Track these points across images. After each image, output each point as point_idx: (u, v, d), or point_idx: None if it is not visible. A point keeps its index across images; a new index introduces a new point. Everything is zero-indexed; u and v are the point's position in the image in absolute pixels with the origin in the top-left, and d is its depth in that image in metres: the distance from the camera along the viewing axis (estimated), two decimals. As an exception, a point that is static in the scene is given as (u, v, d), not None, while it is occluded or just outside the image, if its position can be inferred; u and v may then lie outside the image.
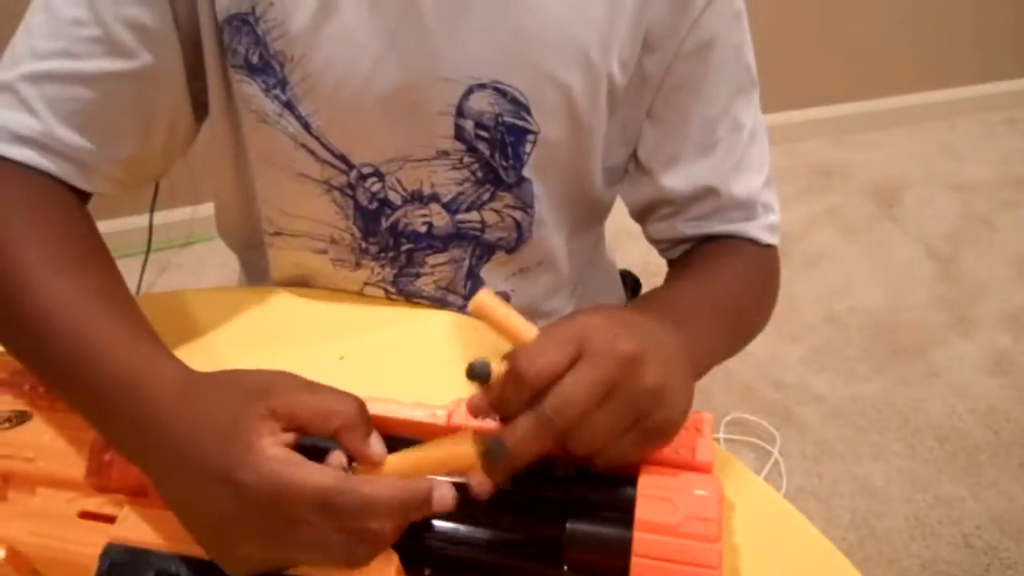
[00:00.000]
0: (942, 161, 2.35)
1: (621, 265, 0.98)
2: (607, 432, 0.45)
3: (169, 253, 1.98)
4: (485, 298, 0.47)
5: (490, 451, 0.44)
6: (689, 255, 0.76)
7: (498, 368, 0.45)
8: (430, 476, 0.45)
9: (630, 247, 0.87)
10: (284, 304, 0.76)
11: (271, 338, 0.72)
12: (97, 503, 0.49)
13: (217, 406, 0.45)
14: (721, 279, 0.71)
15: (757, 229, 0.73)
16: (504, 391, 0.45)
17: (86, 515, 0.49)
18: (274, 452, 0.43)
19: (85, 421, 0.51)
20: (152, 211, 1.83)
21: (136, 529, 0.46)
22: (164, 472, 0.46)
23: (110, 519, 0.48)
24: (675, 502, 0.44)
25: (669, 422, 0.47)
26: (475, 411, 0.48)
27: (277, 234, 0.75)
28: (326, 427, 0.45)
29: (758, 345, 1.94)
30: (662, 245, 0.78)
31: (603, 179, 0.75)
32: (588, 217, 0.80)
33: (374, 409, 0.48)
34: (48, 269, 0.55)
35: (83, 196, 0.65)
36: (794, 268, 2.00)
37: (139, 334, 0.52)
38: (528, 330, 0.47)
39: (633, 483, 0.46)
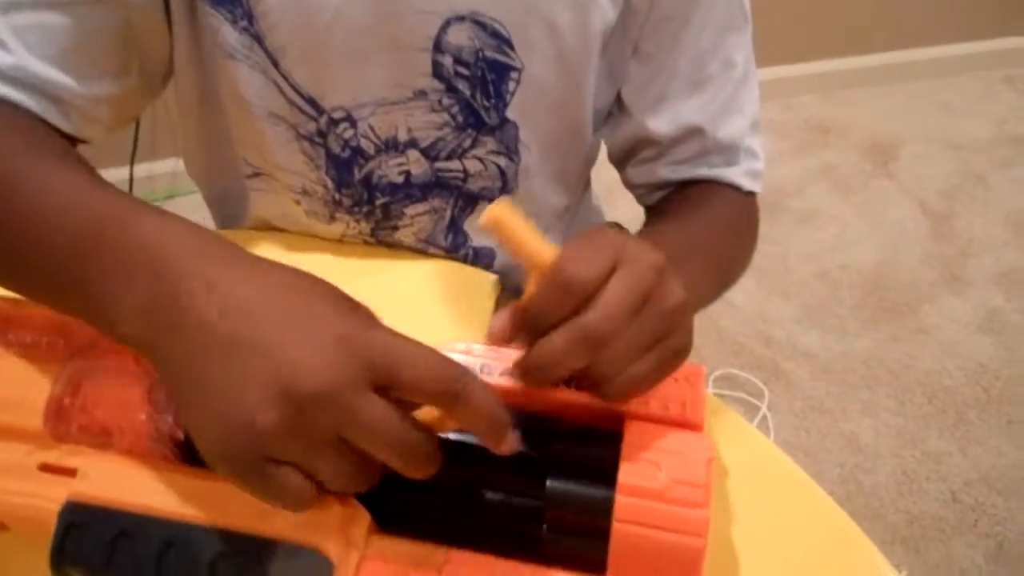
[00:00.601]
0: (939, 118, 2.32)
1: (610, 219, 0.96)
2: (634, 348, 0.42)
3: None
4: (502, 211, 0.42)
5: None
6: (668, 200, 0.74)
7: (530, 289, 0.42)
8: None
9: (621, 201, 0.86)
10: (261, 248, 0.74)
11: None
12: (57, 455, 0.47)
13: (279, 266, 0.42)
14: (702, 223, 0.69)
15: (738, 175, 0.71)
16: (546, 301, 0.42)
17: (46, 468, 0.46)
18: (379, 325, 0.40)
19: (77, 321, 0.46)
20: (132, 163, 1.80)
21: (99, 484, 0.44)
22: (205, 332, 0.39)
23: (72, 472, 0.46)
24: (661, 465, 0.42)
25: (684, 346, 0.45)
26: (500, 336, 0.44)
27: (255, 175, 0.73)
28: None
29: (748, 301, 1.95)
30: (640, 190, 0.76)
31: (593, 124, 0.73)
32: (577, 167, 0.78)
33: None
34: (41, 159, 0.51)
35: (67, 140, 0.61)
36: (787, 224, 1.98)
37: (163, 212, 0.46)
38: (548, 249, 0.43)
39: (618, 440, 0.43)
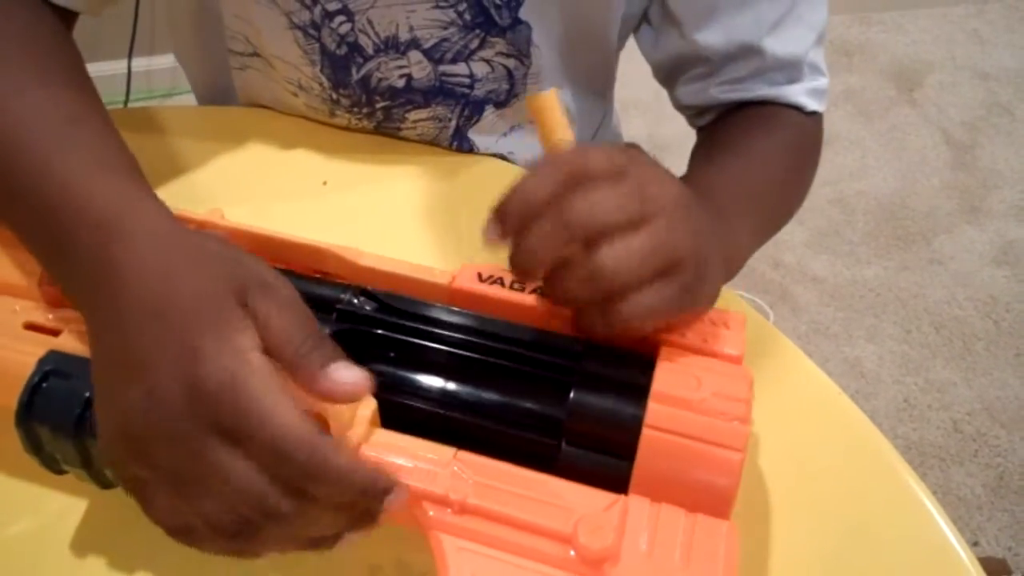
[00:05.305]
0: (968, 46, 2.25)
1: (626, 138, 0.93)
2: (636, 261, 0.38)
3: (151, 104, 1.90)
4: (548, 97, 0.44)
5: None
6: (723, 126, 0.66)
7: None
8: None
9: (636, 119, 0.82)
10: (262, 124, 0.71)
11: (248, 159, 0.68)
12: (46, 317, 0.45)
13: (199, 270, 0.37)
14: (762, 159, 0.62)
15: (801, 94, 0.64)
16: (530, 176, 0.39)
17: (31, 327, 0.44)
18: (251, 356, 0.34)
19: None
20: (130, 57, 1.76)
21: (85, 342, 0.41)
22: (111, 323, 0.37)
23: (56, 332, 0.43)
24: (700, 379, 0.38)
25: (699, 271, 0.41)
26: (492, 232, 0.39)
27: (254, 55, 0.69)
28: (283, 351, 0.35)
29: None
30: (690, 111, 0.69)
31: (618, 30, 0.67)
32: (595, 77, 0.72)
33: (370, 263, 0.44)
34: (7, 83, 0.47)
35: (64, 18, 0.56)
36: (805, 148, 1.94)
37: (117, 163, 0.44)
38: (564, 142, 0.43)
39: (651, 361, 0.39)
